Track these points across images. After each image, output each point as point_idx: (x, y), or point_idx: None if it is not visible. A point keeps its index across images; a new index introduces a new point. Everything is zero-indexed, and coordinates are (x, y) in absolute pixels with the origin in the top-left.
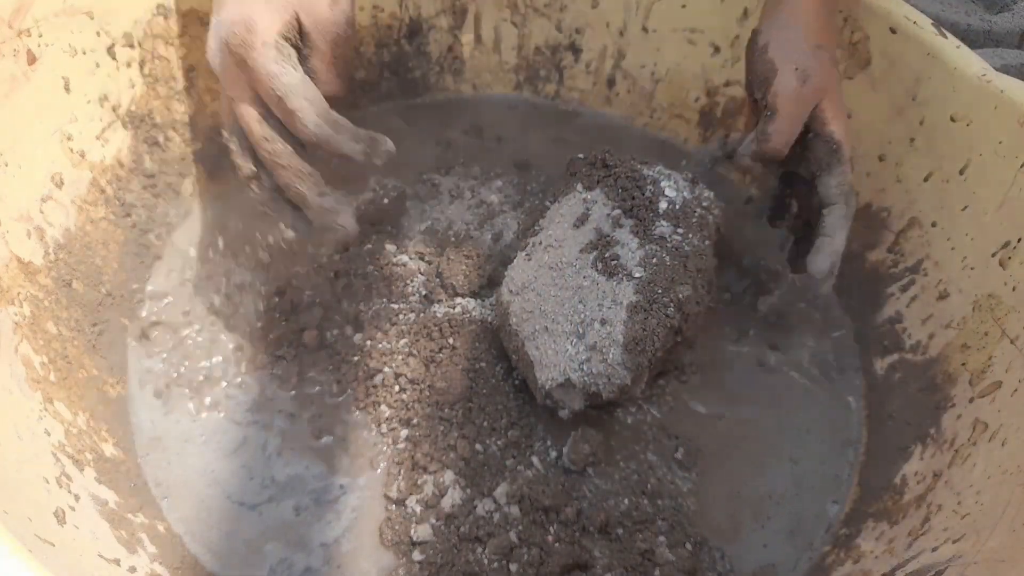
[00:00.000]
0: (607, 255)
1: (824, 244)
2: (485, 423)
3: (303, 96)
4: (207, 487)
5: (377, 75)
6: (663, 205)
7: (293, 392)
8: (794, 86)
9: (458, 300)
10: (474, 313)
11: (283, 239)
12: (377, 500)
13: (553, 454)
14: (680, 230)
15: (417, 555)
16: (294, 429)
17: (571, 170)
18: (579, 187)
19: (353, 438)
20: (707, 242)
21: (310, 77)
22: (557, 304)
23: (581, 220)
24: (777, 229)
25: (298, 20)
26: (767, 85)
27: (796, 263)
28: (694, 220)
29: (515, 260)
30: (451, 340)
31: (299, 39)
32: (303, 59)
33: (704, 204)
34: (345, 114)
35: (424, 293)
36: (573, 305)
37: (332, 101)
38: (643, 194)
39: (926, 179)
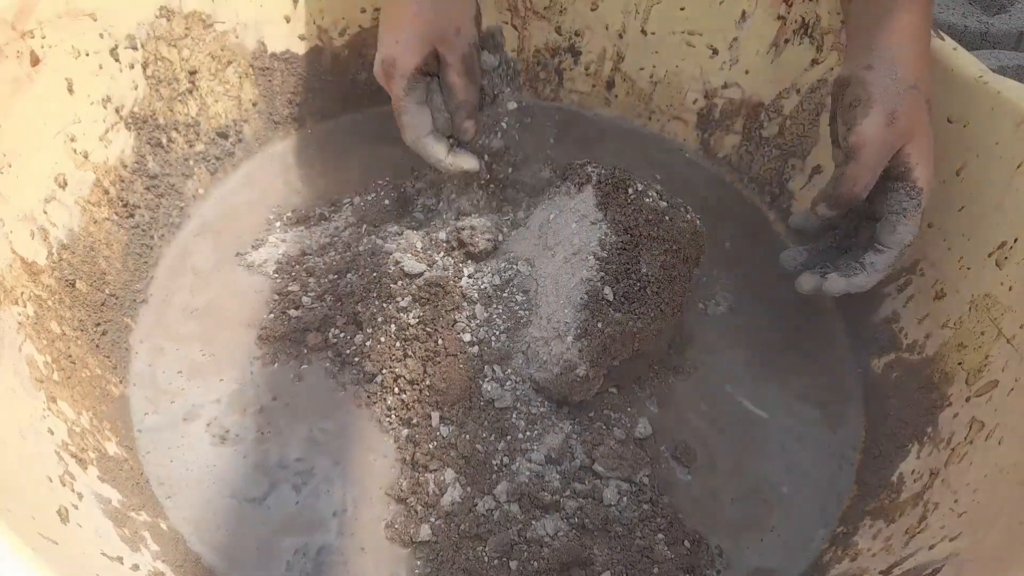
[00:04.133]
0: (593, 278)
1: (854, 276)
2: (485, 422)
3: (409, 118)
4: (211, 484)
5: None
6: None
7: (295, 392)
8: (879, 130)
9: (463, 279)
10: (474, 296)
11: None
12: (376, 492)
13: (554, 453)
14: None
15: (418, 553)
16: (296, 428)
17: (580, 178)
18: (591, 199)
19: (354, 437)
20: (685, 269)
21: (450, 89)
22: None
23: (582, 235)
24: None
25: (435, 51)
26: (851, 126)
27: (801, 265)
28: (679, 255)
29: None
30: (449, 342)
31: (437, 65)
32: (443, 74)
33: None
34: (345, 116)
35: (424, 294)
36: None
37: (468, 106)
38: (647, 230)
39: None
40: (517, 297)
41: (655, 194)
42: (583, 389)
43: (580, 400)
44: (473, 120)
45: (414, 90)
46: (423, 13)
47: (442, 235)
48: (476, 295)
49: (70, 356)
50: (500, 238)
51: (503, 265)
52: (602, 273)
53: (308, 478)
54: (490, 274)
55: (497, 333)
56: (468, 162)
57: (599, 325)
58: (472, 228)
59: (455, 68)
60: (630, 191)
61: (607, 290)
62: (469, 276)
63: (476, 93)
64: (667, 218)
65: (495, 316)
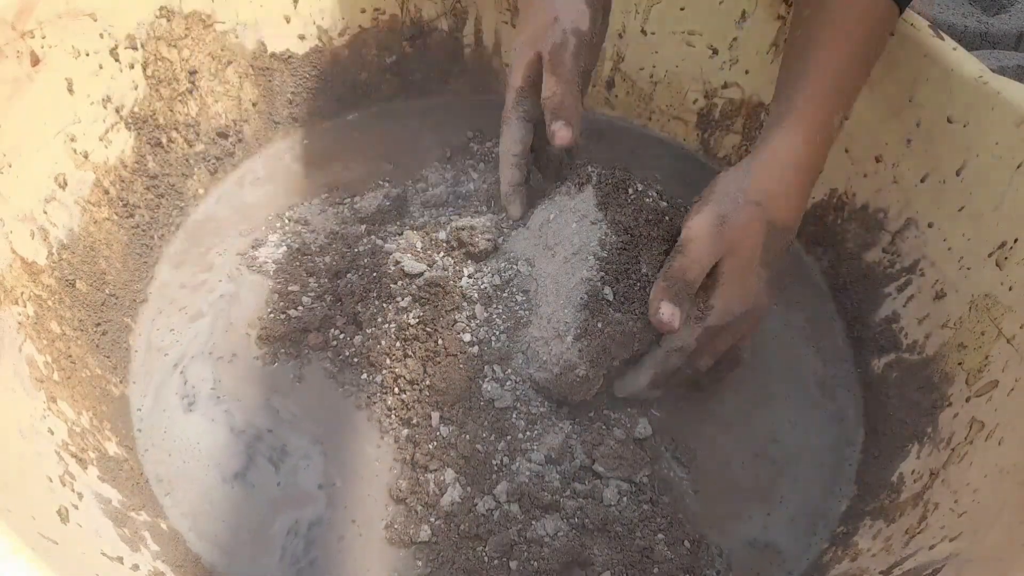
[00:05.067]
0: (595, 277)
1: (629, 376)
2: (485, 422)
3: (507, 129)
4: (204, 472)
5: (379, 77)
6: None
7: (295, 392)
8: (707, 228)
9: (463, 279)
10: (474, 296)
11: None
12: (376, 492)
13: (554, 453)
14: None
15: (418, 553)
16: (294, 426)
17: (580, 178)
18: (591, 199)
19: (354, 436)
20: None
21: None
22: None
23: (582, 235)
24: None
25: (538, 55)
26: (688, 218)
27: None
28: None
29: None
30: (449, 342)
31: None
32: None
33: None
34: (345, 116)
35: (424, 294)
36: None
37: (553, 104)
38: (647, 231)
39: (923, 180)
40: (517, 297)
41: (655, 194)
42: (583, 389)
43: (580, 400)
44: (563, 123)
45: (520, 104)
46: (533, 7)
47: (442, 235)
48: (476, 295)
49: (70, 356)
50: (500, 238)
51: (503, 265)
52: (602, 273)
53: (302, 473)
54: (490, 274)
55: (497, 333)
56: (515, 208)
57: (599, 325)
58: (472, 228)
59: (544, 63)
60: (630, 191)
61: (607, 290)
62: (469, 276)
63: (566, 91)
64: (667, 218)
65: (495, 316)
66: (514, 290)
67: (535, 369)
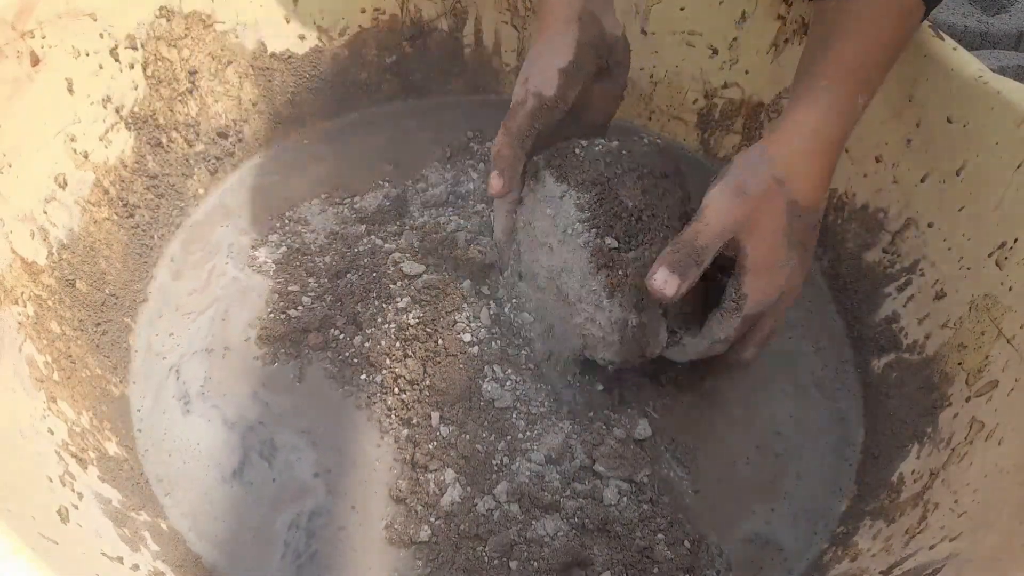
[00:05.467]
0: (590, 240)
1: (670, 347)
2: (485, 422)
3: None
4: (204, 472)
5: (379, 77)
6: (632, 182)
7: (295, 392)
8: (725, 194)
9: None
10: (473, 299)
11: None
12: (376, 492)
13: (554, 453)
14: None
15: (418, 553)
16: (295, 427)
17: (533, 170)
18: (550, 179)
19: (353, 436)
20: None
21: None
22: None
23: (560, 212)
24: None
25: None
26: (708, 189)
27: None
28: (660, 190)
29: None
30: (449, 342)
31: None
32: None
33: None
34: (345, 115)
35: (423, 295)
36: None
37: (494, 155)
38: (611, 171)
39: (923, 180)
40: (524, 315)
41: (602, 142)
42: (650, 337)
43: (659, 353)
44: (497, 172)
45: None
46: (525, 65)
47: (439, 236)
48: (486, 319)
49: (70, 356)
50: (490, 249)
51: (502, 293)
52: (594, 230)
53: (296, 465)
54: (495, 304)
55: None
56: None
57: (620, 273)
58: (461, 236)
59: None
60: (577, 151)
61: (608, 240)
62: (473, 318)
63: (507, 143)
64: (624, 152)
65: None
66: (518, 319)
67: (601, 353)
